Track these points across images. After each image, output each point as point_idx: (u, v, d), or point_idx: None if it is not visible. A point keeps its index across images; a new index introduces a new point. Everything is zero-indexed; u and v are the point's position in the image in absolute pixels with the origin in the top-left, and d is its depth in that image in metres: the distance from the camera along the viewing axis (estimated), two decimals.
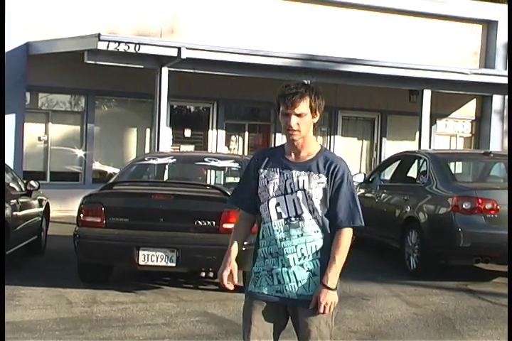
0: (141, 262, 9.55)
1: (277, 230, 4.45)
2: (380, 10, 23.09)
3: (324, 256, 4.47)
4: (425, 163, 13.01)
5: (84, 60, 16.89)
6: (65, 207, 16.05)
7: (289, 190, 4.45)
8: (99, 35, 16.33)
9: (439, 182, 12.24)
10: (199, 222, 9.42)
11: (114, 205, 10.02)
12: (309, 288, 4.43)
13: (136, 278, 10.56)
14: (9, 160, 17.15)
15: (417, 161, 13.70)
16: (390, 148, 22.93)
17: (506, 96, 24.17)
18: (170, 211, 9.72)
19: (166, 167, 11.99)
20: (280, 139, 22.39)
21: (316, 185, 4.43)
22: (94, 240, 9.82)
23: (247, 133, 22.31)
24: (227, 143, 21.80)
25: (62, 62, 18.13)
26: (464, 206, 11.44)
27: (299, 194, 4.43)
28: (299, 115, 4.39)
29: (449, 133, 25.22)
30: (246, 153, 20.42)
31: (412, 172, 13.74)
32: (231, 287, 4.53)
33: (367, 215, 15.74)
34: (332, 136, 23.50)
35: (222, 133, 21.72)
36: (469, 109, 25.09)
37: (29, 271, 11.23)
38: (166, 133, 18.36)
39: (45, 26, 18.46)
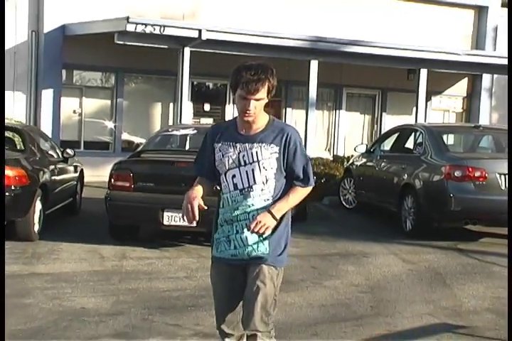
0: (165, 222, 9.63)
1: (233, 200, 4.31)
2: None
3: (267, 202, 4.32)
4: (421, 135, 12.99)
5: (114, 41, 16.84)
6: (97, 173, 16.08)
7: (242, 163, 4.28)
8: (127, 18, 16.30)
9: (434, 153, 12.24)
10: (216, 187, 9.48)
11: (141, 171, 10.07)
12: (258, 249, 4.29)
13: (160, 237, 10.62)
14: (48, 130, 17.24)
15: (413, 134, 13.67)
16: (390, 121, 22.86)
17: (495, 76, 24.13)
18: (191, 177, 9.74)
19: (188, 137, 11.98)
20: (290, 114, 22.45)
21: (270, 156, 4.27)
22: (124, 202, 9.90)
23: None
24: None
25: (94, 43, 18.08)
26: (455, 174, 11.45)
27: (254, 166, 4.26)
28: (257, 99, 4.17)
29: (443, 108, 25.11)
30: None
31: (409, 144, 13.74)
32: (194, 221, 4.25)
33: (369, 182, 15.95)
34: (337, 111, 23.46)
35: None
36: (461, 86, 24.97)
37: (66, 229, 11.30)
38: (187, 107, 18.34)
39: (80, 10, 18.40)
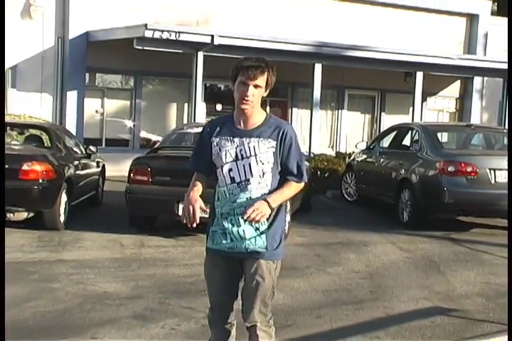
0: (180, 213, 9.63)
1: (230, 193, 4.08)
2: (381, 4, 22.86)
3: (270, 215, 4.09)
4: (417, 133, 12.99)
5: (133, 46, 16.85)
6: (118, 168, 16.09)
7: (239, 157, 4.07)
8: (146, 25, 16.32)
9: (429, 149, 12.23)
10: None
11: (158, 166, 10.09)
12: (256, 243, 4.08)
13: (176, 227, 10.62)
14: (72, 129, 17.29)
15: (410, 132, 13.66)
16: (388, 120, 22.79)
17: (485, 78, 24.07)
18: None
19: None
20: (296, 113, 22.43)
21: (267, 150, 4.07)
22: (142, 195, 9.91)
23: (268, 108, 22.19)
24: None
25: (115, 48, 18.09)
26: (449, 169, 11.45)
27: (251, 160, 4.06)
28: (255, 86, 4.00)
29: (437, 108, 25.04)
30: None
31: (406, 141, 13.72)
32: (195, 223, 4.04)
33: (369, 177, 15.92)
34: (340, 111, 23.42)
35: None
36: (454, 88, 24.91)
37: (89, 219, 11.33)
38: (200, 107, 18.32)
39: (102, 18, 18.40)
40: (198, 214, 4.02)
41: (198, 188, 4.16)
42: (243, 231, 4.08)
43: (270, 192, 4.08)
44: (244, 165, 4.07)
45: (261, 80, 4.02)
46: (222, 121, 4.22)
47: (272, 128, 4.12)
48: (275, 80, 4.12)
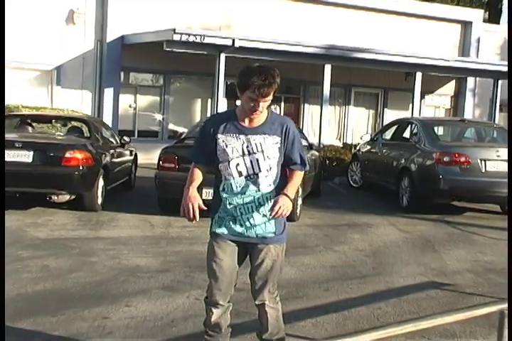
0: (203, 197, 9.56)
1: (238, 186, 3.91)
2: (385, 12, 22.75)
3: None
4: (416, 127, 12.93)
5: (163, 48, 16.84)
6: (148, 156, 16.15)
7: (246, 152, 3.89)
8: (174, 29, 16.31)
9: (426, 141, 12.18)
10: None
11: (184, 155, 10.06)
12: (265, 229, 3.96)
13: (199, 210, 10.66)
14: (109, 121, 17.33)
15: (410, 125, 13.59)
16: (390, 115, 22.72)
17: (478, 78, 23.91)
18: None
19: None
20: (307, 109, 22.38)
21: (272, 146, 3.91)
22: (170, 180, 9.91)
23: (283, 103, 22.19)
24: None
25: (146, 50, 18.10)
26: (444, 159, 11.40)
27: (258, 155, 3.89)
28: (265, 101, 3.81)
29: (434, 105, 24.92)
30: None
31: (406, 134, 13.64)
32: (197, 219, 3.88)
33: (372, 166, 15.88)
34: (347, 106, 23.37)
35: None
36: (450, 87, 24.78)
37: (123, 202, 11.38)
38: (222, 102, 18.26)
39: (135, 23, 18.40)
40: (197, 212, 3.85)
41: (196, 183, 3.99)
42: (253, 218, 3.95)
43: (274, 183, 3.96)
44: (251, 161, 3.90)
45: (271, 95, 3.81)
46: (225, 118, 3.99)
47: (276, 125, 3.95)
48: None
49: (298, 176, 4.07)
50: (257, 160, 3.90)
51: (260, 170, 3.91)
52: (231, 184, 3.93)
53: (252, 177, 3.91)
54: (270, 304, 4.09)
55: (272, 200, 3.92)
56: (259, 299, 4.08)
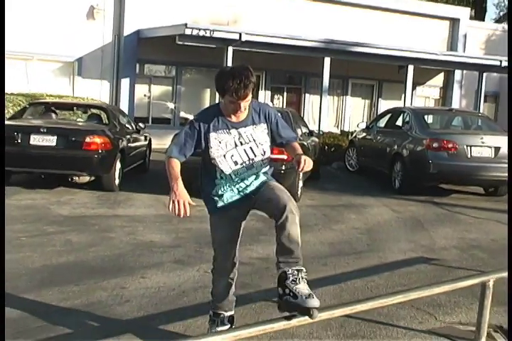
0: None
1: (235, 174, 3.81)
2: (381, 9, 22.62)
3: (269, 170, 3.97)
4: (408, 115, 12.89)
5: (175, 42, 16.78)
6: (161, 142, 16.10)
7: (238, 144, 3.78)
8: (186, 24, 16.22)
9: (417, 129, 12.15)
10: None
11: None
12: (260, 179, 3.86)
13: None
14: (125, 109, 17.30)
15: (402, 114, 13.54)
16: (384, 105, 22.65)
17: (464, 71, 23.83)
18: None
19: None
20: (308, 98, 22.32)
21: (262, 133, 3.84)
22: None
23: (285, 93, 22.15)
24: (272, 100, 21.69)
25: (160, 43, 18.03)
26: (433, 145, 11.38)
27: (251, 144, 3.80)
28: (246, 101, 3.67)
29: (425, 95, 24.83)
30: (284, 107, 20.24)
31: (399, 122, 13.61)
32: (187, 214, 3.64)
33: (367, 151, 15.84)
34: (344, 96, 23.29)
35: (268, 93, 21.58)
36: (439, 79, 24.68)
37: (138, 183, 11.40)
38: None
39: (150, 18, 18.36)
40: (188, 207, 3.62)
41: (179, 178, 3.73)
42: (251, 184, 3.85)
43: (267, 159, 3.87)
44: (245, 149, 3.80)
45: (249, 95, 3.65)
46: (212, 116, 3.80)
47: (258, 113, 3.86)
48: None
49: (297, 145, 3.99)
50: (251, 148, 3.82)
51: (255, 156, 3.84)
52: (230, 174, 3.82)
53: (249, 163, 3.83)
54: (293, 209, 3.57)
55: (264, 174, 3.88)
56: (282, 204, 3.56)
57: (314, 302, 3.38)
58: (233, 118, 3.81)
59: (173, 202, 3.61)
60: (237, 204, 3.87)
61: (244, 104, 3.69)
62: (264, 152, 3.87)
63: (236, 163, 3.81)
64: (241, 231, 3.99)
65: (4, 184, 7.48)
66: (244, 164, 3.82)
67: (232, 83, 3.56)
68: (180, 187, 3.67)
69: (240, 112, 3.75)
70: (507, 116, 24.56)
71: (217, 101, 17.68)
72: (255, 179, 3.88)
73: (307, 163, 3.68)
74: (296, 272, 3.53)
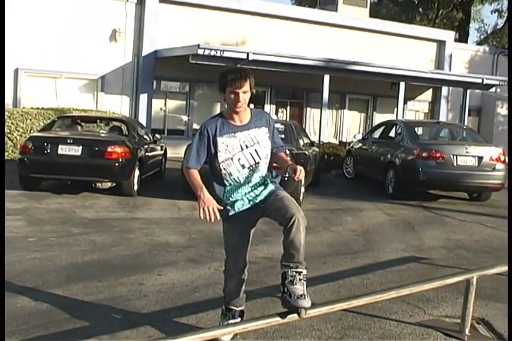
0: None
1: (243, 177, 3.77)
2: (375, 32, 22.67)
3: (276, 179, 3.93)
4: (400, 127, 12.89)
5: (189, 61, 16.83)
6: (176, 151, 16.12)
7: (244, 147, 3.74)
8: (198, 45, 16.30)
9: (408, 140, 12.15)
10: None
11: None
12: (268, 188, 3.80)
13: None
14: (143, 121, 17.39)
15: (395, 126, 13.54)
16: (378, 118, 22.61)
17: (451, 88, 23.88)
18: None
19: None
20: (309, 112, 22.33)
21: (264, 136, 3.81)
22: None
23: (289, 107, 22.14)
24: (276, 113, 21.71)
25: (175, 62, 18.09)
26: (423, 154, 11.38)
27: (256, 146, 3.76)
28: (244, 92, 3.65)
29: (415, 109, 24.80)
30: (288, 119, 20.25)
31: (392, 133, 13.62)
32: (218, 219, 3.63)
33: (363, 160, 15.81)
34: (342, 110, 23.24)
35: (273, 107, 21.58)
36: (427, 94, 24.67)
37: (155, 189, 11.39)
38: None
39: (166, 40, 18.45)
40: (218, 212, 3.61)
41: (204, 187, 3.67)
42: (261, 194, 3.79)
43: (267, 163, 3.85)
44: (250, 153, 3.75)
45: (246, 86, 3.66)
46: (217, 122, 3.77)
47: (259, 118, 3.85)
48: (254, 81, 3.74)
49: (285, 155, 4.02)
50: (256, 151, 3.78)
51: (260, 159, 3.79)
52: (237, 177, 3.77)
53: (255, 166, 3.78)
54: (300, 217, 3.49)
55: (272, 183, 3.84)
56: (290, 214, 3.50)
57: (304, 302, 3.40)
58: (237, 122, 3.78)
59: (203, 209, 3.61)
60: (248, 212, 3.81)
61: (243, 96, 3.66)
62: (267, 155, 3.85)
63: (243, 167, 3.76)
64: (251, 237, 3.96)
65: (4, 185, 7.49)
66: (251, 167, 3.78)
67: (230, 75, 3.65)
68: (206, 195, 3.65)
69: (240, 104, 3.68)
70: (488, 128, 24.76)
71: None
72: (264, 189, 3.83)
73: (302, 172, 3.71)
74: (294, 273, 3.56)
